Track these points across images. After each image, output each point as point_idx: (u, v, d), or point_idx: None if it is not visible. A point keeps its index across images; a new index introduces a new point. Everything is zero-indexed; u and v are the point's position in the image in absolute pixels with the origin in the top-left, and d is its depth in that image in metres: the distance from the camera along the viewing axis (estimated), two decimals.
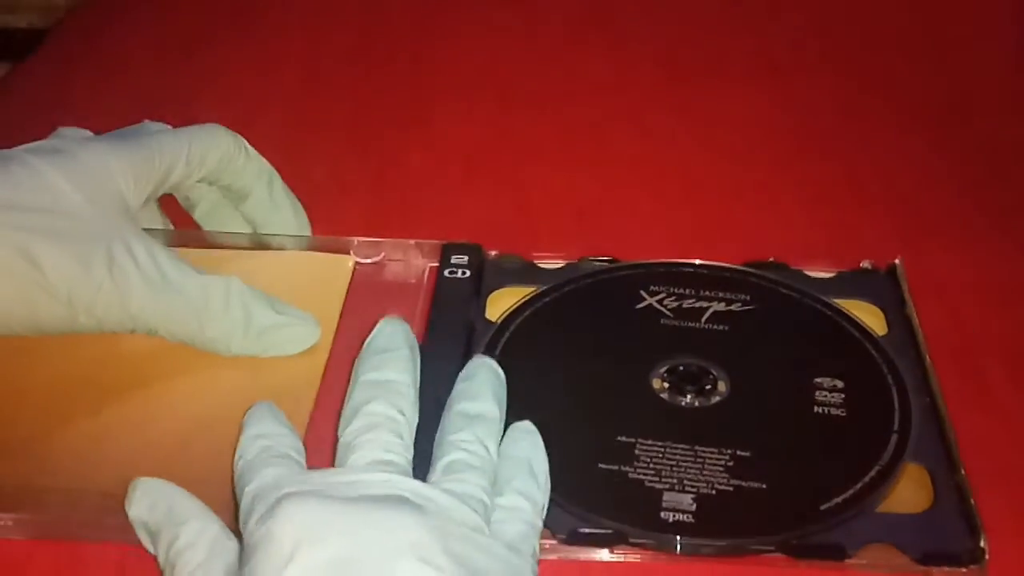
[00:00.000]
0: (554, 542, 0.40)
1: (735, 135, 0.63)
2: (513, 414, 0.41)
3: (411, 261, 0.53)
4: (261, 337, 0.46)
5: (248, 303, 0.46)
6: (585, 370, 0.47)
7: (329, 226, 0.55)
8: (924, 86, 0.65)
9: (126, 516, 0.38)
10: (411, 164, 0.62)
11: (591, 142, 0.64)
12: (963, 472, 0.41)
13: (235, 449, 0.39)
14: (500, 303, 0.50)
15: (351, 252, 0.53)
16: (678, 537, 0.40)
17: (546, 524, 0.39)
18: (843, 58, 0.68)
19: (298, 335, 0.47)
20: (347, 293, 0.51)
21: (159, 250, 0.45)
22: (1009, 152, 0.59)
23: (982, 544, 0.39)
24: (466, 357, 0.46)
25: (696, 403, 0.45)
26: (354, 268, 0.52)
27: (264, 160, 0.52)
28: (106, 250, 0.44)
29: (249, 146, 0.51)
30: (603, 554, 0.40)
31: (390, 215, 0.58)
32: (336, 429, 0.39)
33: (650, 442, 0.43)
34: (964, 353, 0.48)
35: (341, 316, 0.50)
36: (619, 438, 0.43)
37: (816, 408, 0.44)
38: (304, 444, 0.39)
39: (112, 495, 0.39)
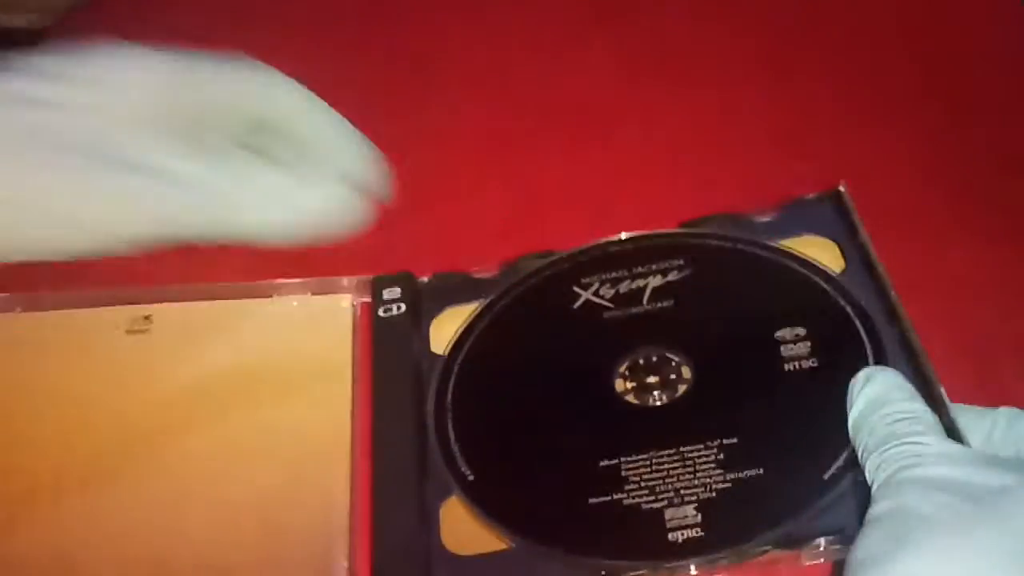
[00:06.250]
0: None
1: (738, 134, 0.60)
2: (486, 455, 0.42)
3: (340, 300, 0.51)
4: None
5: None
6: (546, 392, 0.44)
7: None
8: (927, 84, 0.63)
9: None
10: (417, 162, 0.59)
11: (595, 142, 0.61)
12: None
13: None
14: (443, 329, 0.48)
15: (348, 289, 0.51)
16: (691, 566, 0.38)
17: None
18: (845, 57, 0.66)
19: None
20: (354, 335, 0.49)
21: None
22: (1013, 151, 0.57)
23: None
24: (419, 399, 0.44)
25: (665, 397, 0.43)
26: (355, 308, 0.50)
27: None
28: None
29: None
30: None
31: (398, 214, 0.55)
32: None
33: (633, 458, 0.41)
34: (975, 352, 0.47)
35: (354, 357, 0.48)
36: (601, 463, 0.41)
37: (787, 366, 0.43)
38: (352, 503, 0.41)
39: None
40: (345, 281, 0.51)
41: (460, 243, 0.53)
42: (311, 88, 0.63)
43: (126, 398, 0.47)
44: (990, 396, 0.44)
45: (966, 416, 0.39)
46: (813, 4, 0.67)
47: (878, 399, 0.38)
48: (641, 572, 0.38)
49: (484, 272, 0.49)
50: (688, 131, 0.58)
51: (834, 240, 0.47)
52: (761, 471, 0.40)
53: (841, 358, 0.42)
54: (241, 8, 0.74)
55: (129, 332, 0.49)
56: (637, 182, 0.56)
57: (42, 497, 0.44)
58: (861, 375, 0.40)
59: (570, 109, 0.62)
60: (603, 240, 0.49)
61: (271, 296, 0.50)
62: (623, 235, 0.49)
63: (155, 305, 0.50)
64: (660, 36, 0.65)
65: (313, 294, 0.50)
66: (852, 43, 0.65)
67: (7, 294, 0.50)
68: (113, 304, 0.50)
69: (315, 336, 0.48)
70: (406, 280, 0.49)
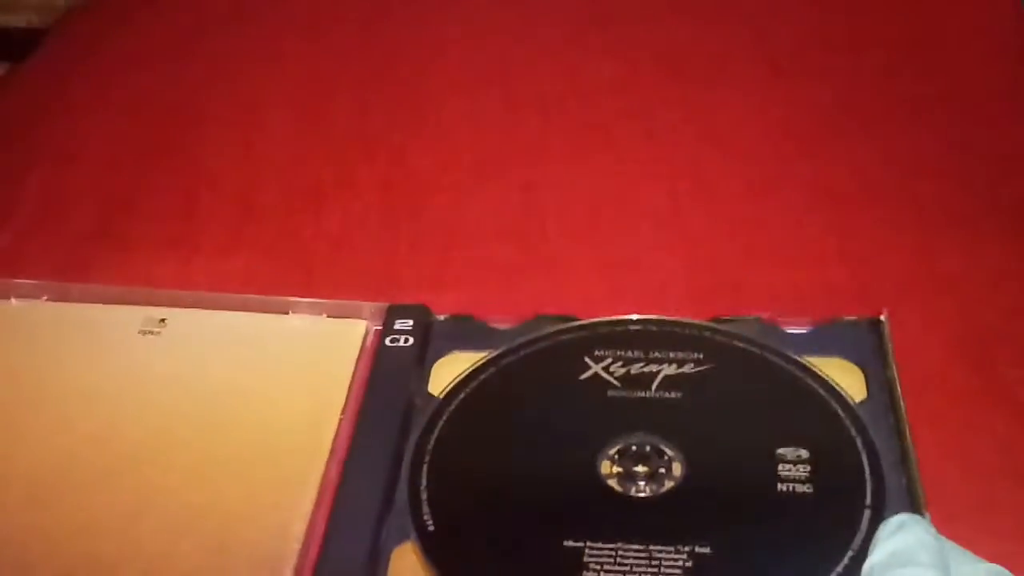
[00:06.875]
0: None
1: (740, 134, 0.61)
2: (451, 508, 0.40)
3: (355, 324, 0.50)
4: None
5: None
6: (530, 458, 0.43)
7: (342, 230, 0.56)
8: (927, 84, 0.62)
9: None
10: (418, 165, 0.61)
11: (598, 143, 0.61)
12: None
13: None
14: (445, 372, 0.47)
15: (363, 315, 0.50)
16: None
17: None
18: (847, 56, 0.66)
19: None
20: (358, 360, 0.48)
21: None
22: (1012, 150, 0.57)
23: None
24: (403, 436, 0.43)
25: (648, 491, 0.41)
26: (368, 334, 0.49)
27: None
28: None
29: None
30: None
31: (398, 217, 0.57)
32: None
33: (600, 545, 0.39)
34: (975, 352, 0.46)
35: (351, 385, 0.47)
36: (566, 543, 0.39)
37: (780, 486, 0.41)
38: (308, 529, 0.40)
39: None
40: (363, 306, 0.50)
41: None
42: (312, 88, 0.63)
43: (124, 398, 0.46)
44: (990, 396, 0.44)
45: (955, 560, 0.37)
46: (812, 7, 0.68)
47: (901, 553, 0.36)
48: None
49: (502, 322, 0.48)
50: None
51: (862, 368, 0.45)
52: None
53: (838, 492, 0.40)
54: (240, 8, 0.75)
55: (142, 333, 0.49)
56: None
57: (12, 487, 0.43)
58: (894, 521, 0.37)
59: (572, 118, 0.62)
60: (627, 316, 0.48)
61: (287, 312, 0.50)
62: (648, 316, 0.48)
63: (172, 309, 0.50)
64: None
65: (329, 316, 0.50)
66: (852, 44, 0.65)
67: (35, 281, 0.51)
68: (133, 303, 0.50)
69: (320, 358, 0.48)
70: (420, 313, 0.48)
